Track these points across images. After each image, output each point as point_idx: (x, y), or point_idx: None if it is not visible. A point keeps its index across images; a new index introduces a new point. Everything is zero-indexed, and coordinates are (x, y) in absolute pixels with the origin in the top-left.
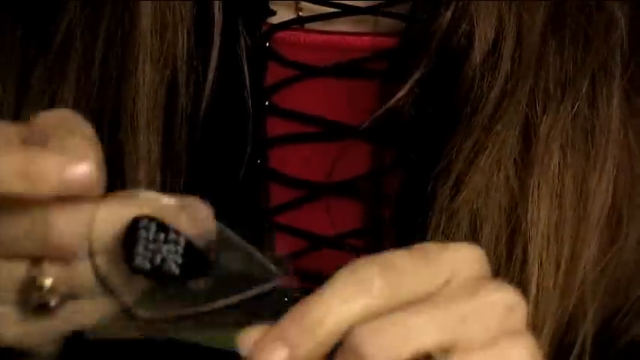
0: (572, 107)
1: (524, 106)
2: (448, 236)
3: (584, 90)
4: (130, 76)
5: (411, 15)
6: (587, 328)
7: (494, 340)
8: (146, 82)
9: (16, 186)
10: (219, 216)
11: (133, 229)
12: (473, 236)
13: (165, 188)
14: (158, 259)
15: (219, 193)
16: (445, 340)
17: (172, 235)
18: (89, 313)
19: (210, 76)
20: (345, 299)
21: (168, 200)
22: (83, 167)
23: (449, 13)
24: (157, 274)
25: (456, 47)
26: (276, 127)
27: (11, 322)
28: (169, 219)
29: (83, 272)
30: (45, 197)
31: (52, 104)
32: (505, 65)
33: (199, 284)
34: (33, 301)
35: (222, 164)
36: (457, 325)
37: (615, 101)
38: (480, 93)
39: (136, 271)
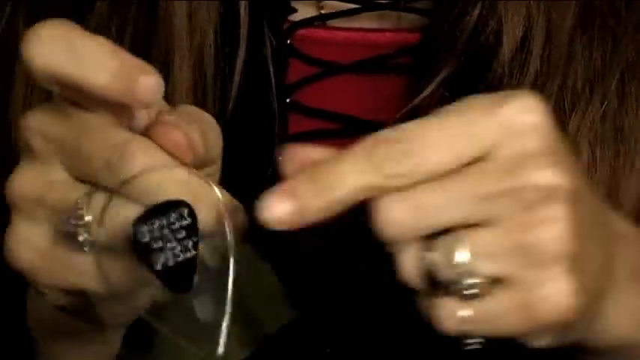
0: (601, 105)
1: (553, 104)
2: None
3: (612, 88)
4: (166, 77)
5: (434, 10)
6: None
7: (526, 224)
8: (182, 82)
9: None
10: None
11: (165, 208)
12: None
13: None
14: (159, 247)
15: (245, 190)
16: (465, 219)
17: (188, 241)
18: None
19: (237, 75)
20: (357, 172)
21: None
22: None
23: (476, 11)
24: (148, 260)
25: (484, 45)
26: (299, 124)
27: (44, 235)
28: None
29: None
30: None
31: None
32: (534, 63)
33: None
34: (65, 226)
35: (249, 163)
36: (481, 203)
37: None
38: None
39: (136, 243)
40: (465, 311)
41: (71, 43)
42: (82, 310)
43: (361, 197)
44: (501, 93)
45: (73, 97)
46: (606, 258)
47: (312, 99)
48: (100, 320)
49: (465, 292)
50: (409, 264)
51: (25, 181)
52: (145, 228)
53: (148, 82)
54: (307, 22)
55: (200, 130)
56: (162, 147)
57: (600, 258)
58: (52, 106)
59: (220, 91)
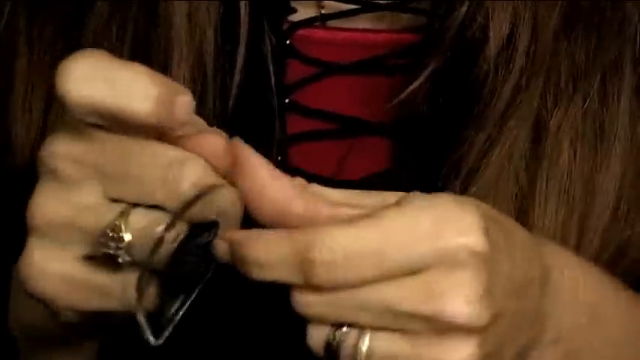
0: (583, 102)
1: (537, 100)
2: None
3: (595, 86)
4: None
5: (432, 11)
6: None
7: (434, 345)
8: (180, 80)
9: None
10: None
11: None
12: None
13: None
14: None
15: None
16: (377, 325)
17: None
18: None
19: (237, 74)
20: (284, 269)
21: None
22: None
23: (464, 8)
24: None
25: (470, 41)
26: (297, 124)
27: (69, 260)
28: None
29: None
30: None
31: None
32: (520, 60)
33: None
34: (102, 248)
35: None
36: (395, 318)
37: (625, 97)
38: (494, 87)
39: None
40: None
41: (108, 74)
42: (89, 324)
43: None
44: (442, 207)
45: (109, 125)
46: (528, 339)
47: (311, 99)
48: (102, 332)
49: None
50: (317, 338)
51: (50, 204)
52: (190, 246)
53: (185, 103)
54: (307, 23)
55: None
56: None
57: (515, 353)
58: (79, 131)
59: (220, 89)
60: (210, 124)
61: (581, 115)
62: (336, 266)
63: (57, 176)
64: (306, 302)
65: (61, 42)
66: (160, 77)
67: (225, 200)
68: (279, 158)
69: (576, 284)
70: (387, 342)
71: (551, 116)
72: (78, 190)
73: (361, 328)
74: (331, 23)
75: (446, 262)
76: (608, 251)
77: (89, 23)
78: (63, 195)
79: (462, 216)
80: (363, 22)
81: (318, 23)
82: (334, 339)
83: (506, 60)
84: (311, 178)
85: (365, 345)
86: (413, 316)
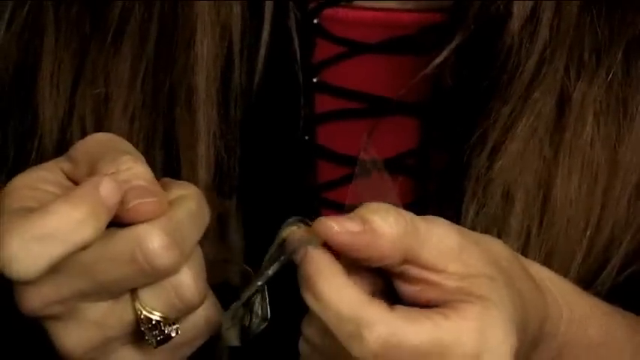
0: (607, 76)
1: (562, 73)
2: (482, 205)
3: (618, 59)
4: (188, 51)
5: None
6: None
7: None
8: (205, 56)
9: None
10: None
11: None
12: (506, 204)
13: (221, 163)
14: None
15: (270, 167)
16: None
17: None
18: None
19: (262, 51)
20: None
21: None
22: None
23: None
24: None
25: (494, 15)
26: (325, 103)
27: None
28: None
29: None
30: None
31: (107, 82)
32: (543, 33)
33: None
34: (154, 338)
35: (273, 140)
36: None
37: None
38: (518, 61)
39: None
40: None
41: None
42: None
43: None
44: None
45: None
46: None
47: (339, 78)
48: None
49: None
50: None
51: (78, 341)
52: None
53: (108, 193)
54: (333, 2)
55: None
56: None
57: None
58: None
59: (247, 66)
60: (236, 102)
61: (604, 89)
62: None
63: (59, 318)
64: None
65: (87, 21)
66: (77, 198)
67: None
68: (307, 137)
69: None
70: None
71: (575, 89)
72: (84, 316)
73: None
74: (357, 3)
75: None
76: (633, 226)
77: (115, 2)
78: (77, 327)
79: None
80: (389, 1)
81: (344, 3)
82: None
83: (530, 34)
84: (338, 156)
85: None
86: None
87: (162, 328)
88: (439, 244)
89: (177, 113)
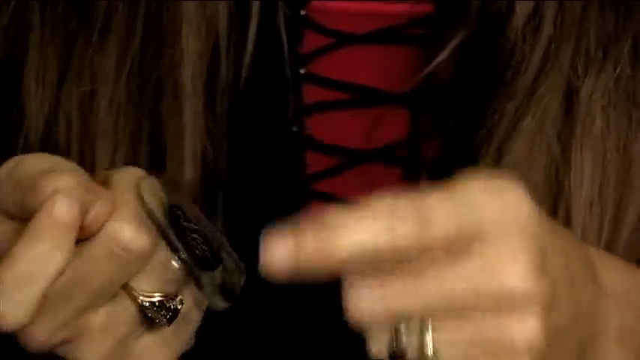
0: (614, 70)
1: (567, 68)
2: None
3: (625, 53)
4: (173, 47)
5: None
6: None
7: (497, 323)
8: (190, 51)
9: None
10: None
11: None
12: None
13: (208, 157)
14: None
15: (258, 160)
16: (435, 311)
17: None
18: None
19: (250, 45)
20: (368, 234)
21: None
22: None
23: None
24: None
25: (497, 11)
26: (313, 94)
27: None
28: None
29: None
30: None
31: (93, 78)
32: (547, 28)
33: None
34: (164, 318)
35: (261, 132)
36: (453, 300)
37: None
38: (522, 56)
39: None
40: None
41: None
42: None
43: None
44: (492, 181)
45: None
46: (588, 333)
47: (327, 70)
48: None
49: None
50: (378, 344)
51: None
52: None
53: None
54: None
55: None
56: None
57: (576, 344)
58: None
59: (234, 60)
60: (222, 96)
61: (612, 83)
62: (422, 217)
63: (69, 341)
64: (360, 296)
65: (73, 17)
66: (36, 231)
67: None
68: (295, 128)
69: (628, 288)
70: (449, 330)
71: (583, 84)
72: (91, 328)
73: (421, 321)
74: None
75: (500, 231)
76: None
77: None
78: (89, 340)
79: (508, 187)
80: None
81: None
82: (397, 340)
83: (534, 28)
84: (327, 147)
85: (429, 336)
86: (471, 294)
87: (167, 304)
88: None
89: (163, 109)
